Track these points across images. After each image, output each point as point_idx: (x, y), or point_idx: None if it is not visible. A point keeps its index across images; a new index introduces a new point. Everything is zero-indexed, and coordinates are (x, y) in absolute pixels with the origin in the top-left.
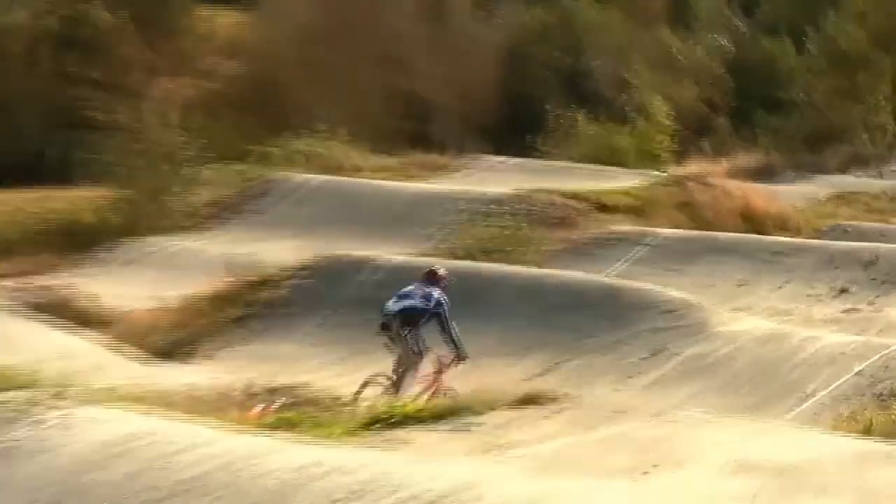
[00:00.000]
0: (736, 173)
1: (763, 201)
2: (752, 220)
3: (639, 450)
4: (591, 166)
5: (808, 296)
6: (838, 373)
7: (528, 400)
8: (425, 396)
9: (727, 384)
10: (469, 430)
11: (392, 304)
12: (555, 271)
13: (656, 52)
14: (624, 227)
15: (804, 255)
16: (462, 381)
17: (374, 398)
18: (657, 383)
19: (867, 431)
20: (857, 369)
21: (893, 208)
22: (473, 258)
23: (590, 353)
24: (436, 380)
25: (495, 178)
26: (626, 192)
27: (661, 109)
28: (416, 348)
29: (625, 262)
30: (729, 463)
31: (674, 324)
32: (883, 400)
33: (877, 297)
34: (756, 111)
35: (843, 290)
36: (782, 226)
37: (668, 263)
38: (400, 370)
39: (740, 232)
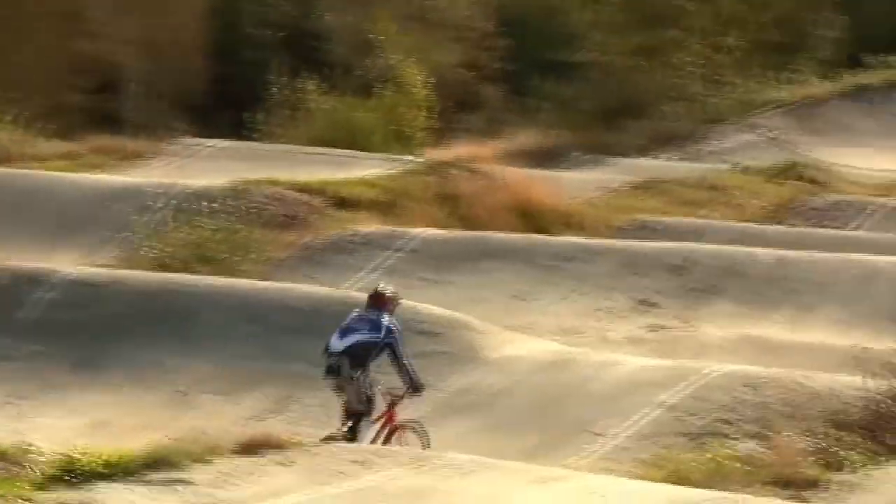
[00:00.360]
0: (512, 157)
1: (546, 193)
2: (533, 217)
3: None
4: (327, 151)
5: (604, 310)
6: (641, 405)
7: (252, 447)
8: (381, 440)
9: (503, 422)
10: (175, 489)
11: (337, 342)
12: (282, 285)
13: (409, 4)
14: (369, 227)
15: (598, 259)
16: (169, 425)
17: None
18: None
19: (679, 477)
20: (663, 401)
21: (710, 198)
22: (174, 269)
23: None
24: (390, 418)
25: (203, 167)
26: (371, 184)
27: (414, 77)
28: (369, 393)
29: (371, 271)
30: None
31: (436, 348)
32: (695, 439)
33: (688, 310)
34: (538, 78)
35: (648, 303)
36: (571, 223)
37: (426, 272)
38: (351, 419)
39: (517, 231)
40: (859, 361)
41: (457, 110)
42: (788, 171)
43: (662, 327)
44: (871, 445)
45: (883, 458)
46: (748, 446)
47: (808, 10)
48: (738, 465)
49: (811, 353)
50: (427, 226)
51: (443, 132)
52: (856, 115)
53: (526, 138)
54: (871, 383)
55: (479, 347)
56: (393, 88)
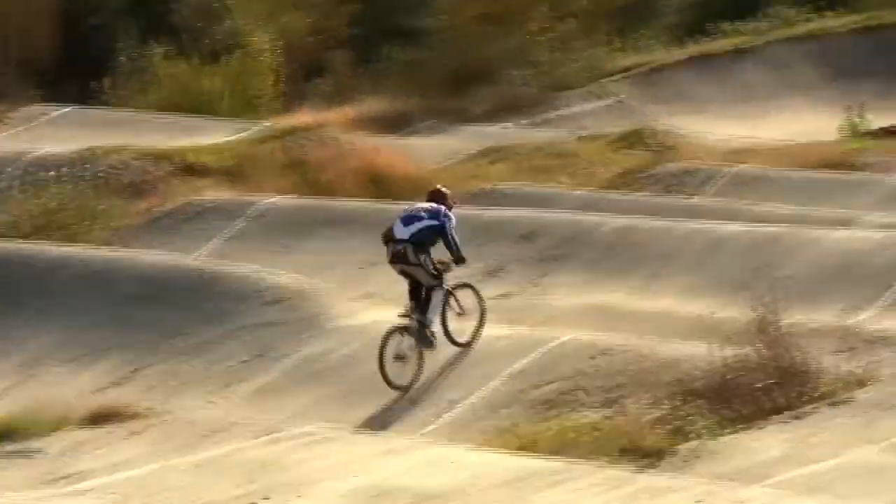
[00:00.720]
0: (361, 124)
1: (394, 159)
2: (382, 184)
3: (245, 476)
4: (175, 117)
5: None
6: (490, 375)
7: (102, 416)
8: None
9: (352, 391)
10: (29, 457)
11: (402, 229)
12: (130, 252)
13: None
14: (218, 194)
15: None
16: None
17: None
18: (264, 392)
19: (526, 447)
20: (512, 370)
21: (558, 165)
22: (21, 237)
23: (178, 355)
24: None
25: (51, 135)
26: (219, 150)
27: (262, 43)
28: (434, 272)
29: (219, 239)
30: (358, 490)
31: (283, 317)
32: (544, 408)
33: (538, 277)
34: (386, 43)
35: (495, 271)
36: (418, 190)
37: (274, 239)
38: (420, 298)
39: (366, 198)
40: (706, 329)
41: (305, 76)
42: (635, 139)
43: (511, 295)
44: (719, 413)
45: (729, 426)
46: (596, 415)
47: None
48: (587, 434)
49: (659, 320)
50: (276, 193)
51: (291, 98)
52: (700, 83)
53: (375, 105)
54: (718, 351)
55: (328, 315)
56: (241, 54)
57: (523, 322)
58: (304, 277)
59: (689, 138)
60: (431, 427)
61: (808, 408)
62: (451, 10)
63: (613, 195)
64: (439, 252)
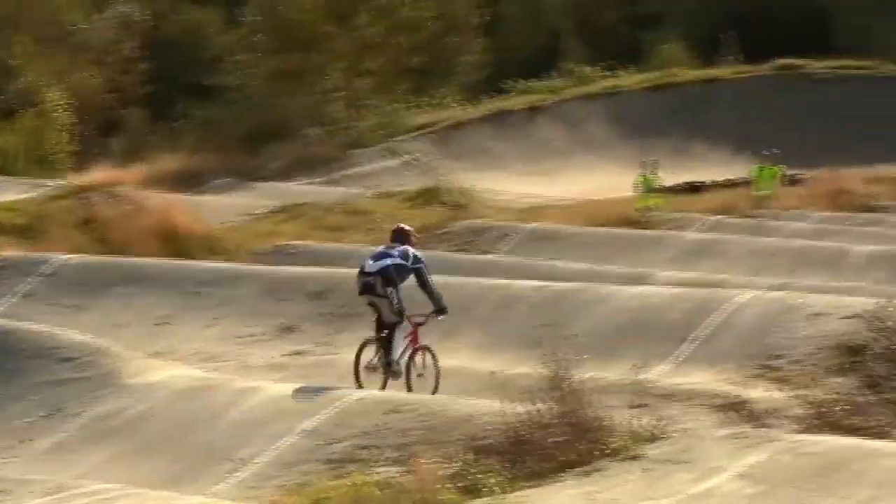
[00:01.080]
0: (155, 181)
1: (188, 217)
2: (175, 242)
3: None
4: None
5: (246, 336)
6: (282, 432)
7: None
8: (407, 355)
9: (145, 449)
10: None
11: (371, 264)
12: None
13: (49, 27)
14: (10, 252)
15: (240, 284)
16: None
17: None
18: (58, 449)
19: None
20: (304, 427)
21: (350, 223)
22: None
23: None
24: (414, 339)
25: None
26: (11, 208)
27: (56, 101)
28: (399, 307)
29: (12, 297)
30: None
31: (77, 375)
32: (336, 465)
33: (333, 334)
34: (182, 100)
35: (289, 328)
36: (214, 248)
37: (66, 298)
38: (385, 331)
39: (161, 256)
40: (499, 385)
41: (100, 134)
42: (431, 196)
43: (306, 353)
44: (511, 469)
45: (522, 482)
46: (389, 472)
47: (450, 35)
48: (379, 490)
49: (453, 377)
50: (69, 251)
51: (87, 155)
52: (496, 140)
53: (171, 162)
54: (509, 408)
55: (120, 374)
56: (34, 112)
57: (318, 379)
58: (99, 335)
59: (485, 195)
60: (223, 484)
61: (599, 463)
62: (246, 68)
63: None
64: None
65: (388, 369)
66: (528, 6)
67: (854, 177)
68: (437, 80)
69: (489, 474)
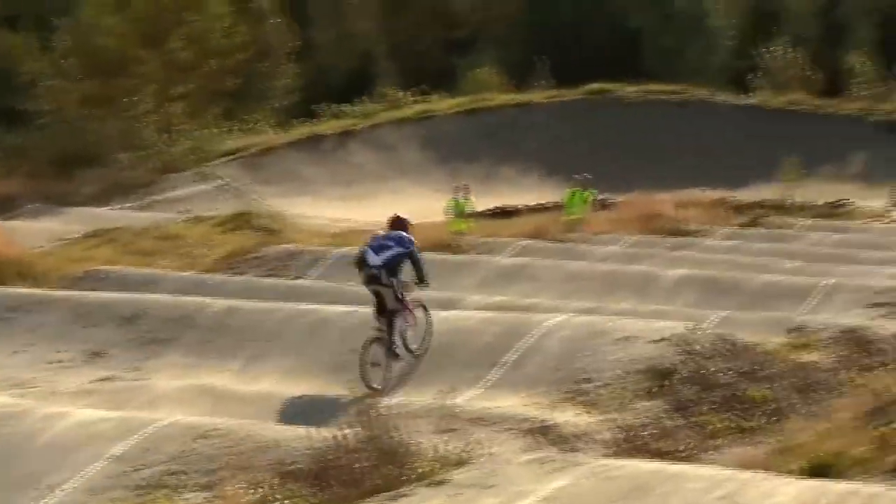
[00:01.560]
0: None
1: None
2: None
3: None
4: None
5: (54, 362)
6: (90, 459)
7: None
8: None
9: None
10: None
11: (374, 257)
12: None
13: None
14: None
15: (49, 310)
16: None
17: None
18: None
19: None
20: (112, 454)
21: (161, 248)
22: None
23: None
24: (405, 303)
25: None
26: None
27: None
28: (401, 294)
29: None
30: None
31: None
32: (144, 491)
33: (142, 360)
34: None
35: (98, 354)
36: (23, 273)
37: None
38: (387, 317)
39: None
40: (306, 411)
41: None
42: (241, 221)
43: (114, 379)
44: (318, 495)
45: None
46: (196, 498)
47: (262, 59)
48: None
49: (260, 403)
50: None
51: None
52: (309, 164)
53: None
54: (316, 433)
55: None
56: None
57: (127, 405)
58: None
59: (296, 220)
60: None
61: (405, 489)
62: (56, 92)
63: (219, 277)
64: None
65: (389, 350)
66: (340, 30)
67: (665, 200)
68: (250, 105)
69: (295, 499)
